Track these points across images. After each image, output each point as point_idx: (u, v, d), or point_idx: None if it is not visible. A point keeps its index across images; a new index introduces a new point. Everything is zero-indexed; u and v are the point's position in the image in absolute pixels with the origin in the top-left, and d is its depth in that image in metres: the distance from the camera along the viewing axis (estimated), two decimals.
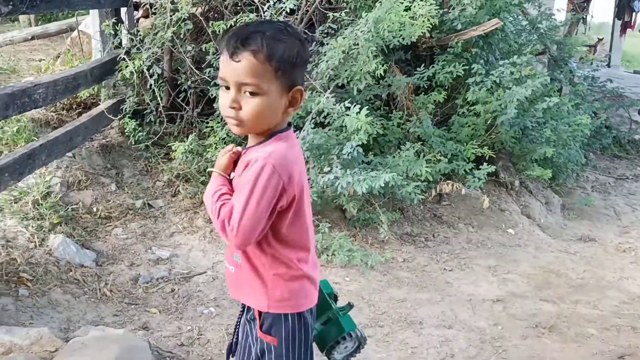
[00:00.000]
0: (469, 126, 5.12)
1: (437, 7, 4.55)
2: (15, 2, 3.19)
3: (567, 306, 3.68)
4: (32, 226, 3.36)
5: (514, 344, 3.17)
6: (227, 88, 1.45)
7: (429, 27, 4.14)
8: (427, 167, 3.96)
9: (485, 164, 4.61)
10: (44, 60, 6.26)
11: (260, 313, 1.56)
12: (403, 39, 4.25)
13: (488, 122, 5.12)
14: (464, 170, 4.68)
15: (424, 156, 4.17)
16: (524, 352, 3.10)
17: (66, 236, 3.37)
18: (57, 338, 2.52)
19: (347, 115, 3.70)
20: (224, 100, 1.47)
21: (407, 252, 4.10)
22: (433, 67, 4.82)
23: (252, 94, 1.43)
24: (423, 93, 5.06)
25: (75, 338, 2.47)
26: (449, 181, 4.54)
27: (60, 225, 3.47)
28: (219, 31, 4.13)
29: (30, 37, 7.12)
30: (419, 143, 4.71)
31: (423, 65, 5.04)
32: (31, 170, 3.42)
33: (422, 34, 4.35)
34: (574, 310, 3.63)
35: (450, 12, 5.05)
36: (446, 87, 5.25)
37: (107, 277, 3.25)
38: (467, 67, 4.95)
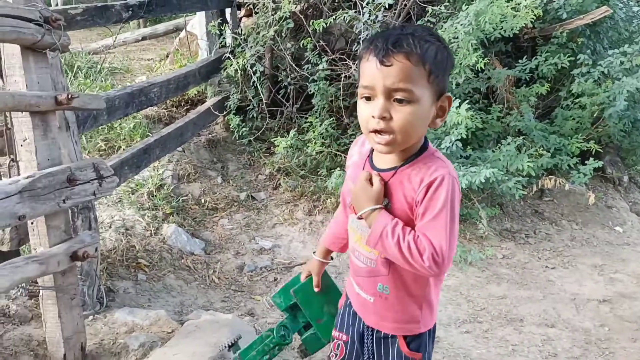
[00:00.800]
0: (574, 119, 4.92)
1: None
2: (134, 7, 3.45)
3: None
4: (148, 216, 3.61)
5: (622, 346, 3.05)
6: (368, 99, 1.33)
7: (532, 17, 4.02)
8: (529, 161, 3.85)
9: (591, 158, 4.42)
10: (153, 59, 6.65)
11: (406, 336, 1.52)
12: (504, 31, 4.16)
13: (594, 115, 4.90)
14: (568, 165, 4.52)
15: (525, 150, 4.06)
16: (633, 356, 2.98)
17: (178, 225, 3.61)
18: (173, 320, 2.72)
19: None
20: (366, 113, 1.33)
21: (506, 249, 4.02)
22: (536, 58, 4.66)
23: (404, 101, 1.29)
24: (524, 86, 4.93)
25: (189, 321, 2.66)
26: (551, 176, 4.40)
27: (172, 215, 3.71)
28: (319, 29, 4.22)
29: (140, 38, 7.57)
30: (520, 137, 4.61)
31: (525, 57, 4.90)
32: (147, 163, 3.67)
33: (524, 25, 4.24)
34: None
35: (554, 1, 4.86)
36: (549, 79, 5.09)
37: (215, 265, 3.44)
38: (572, 58, 4.77)
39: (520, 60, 4.76)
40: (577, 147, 4.54)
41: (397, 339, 1.52)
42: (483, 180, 3.48)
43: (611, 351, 3.01)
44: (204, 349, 2.32)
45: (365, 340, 1.59)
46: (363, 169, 1.46)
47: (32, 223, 2.20)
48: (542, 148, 4.52)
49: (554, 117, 4.98)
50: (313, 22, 4.23)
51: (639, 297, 3.59)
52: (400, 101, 1.29)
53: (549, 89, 4.84)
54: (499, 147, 4.08)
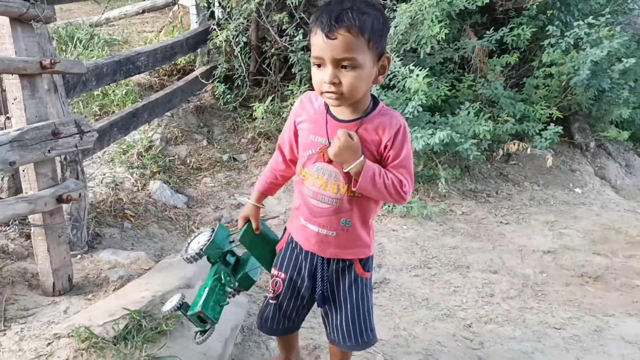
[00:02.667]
0: (544, 88, 5.20)
1: None
2: None
3: (619, 260, 3.82)
4: (136, 173, 3.99)
5: (555, 289, 3.40)
6: (319, 66, 1.54)
7: None
8: (485, 125, 4.16)
9: (552, 124, 4.71)
10: (152, 31, 6.98)
11: (361, 259, 1.80)
12: (473, 3, 4.43)
13: (563, 84, 5.18)
14: (534, 131, 4.82)
15: (482, 115, 4.36)
16: (563, 297, 3.32)
17: (163, 182, 3.98)
18: (151, 260, 3.10)
19: (410, 77, 3.99)
20: (319, 77, 1.54)
21: (467, 206, 4.37)
22: (502, 30, 4.92)
23: (349, 67, 1.50)
24: (497, 56, 5.21)
25: (164, 260, 3.04)
26: (515, 140, 4.73)
27: (159, 174, 4.09)
28: (297, 3, 4.52)
29: (141, 11, 7.86)
30: (488, 104, 4.91)
31: (501, 28, 5.16)
32: (135, 126, 4.04)
33: None
34: (625, 264, 3.77)
35: None
36: (522, 50, 5.37)
37: (195, 217, 3.82)
38: (541, 30, 5.04)
39: (486, 32, 5.01)
40: (541, 113, 4.84)
41: (353, 264, 1.80)
42: (437, 142, 3.81)
43: (544, 293, 3.35)
44: (172, 280, 2.70)
45: (319, 275, 1.82)
46: (326, 122, 1.67)
47: (23, 170, 2.57)
48: (507, 114, 4.83)
49: (521, 86, 5.26)
50: None
51: (581, 249, 3.93)
52: (345, 67, 1.50)
53: (518, 59, 5.12)
54: (459, 113, 4.38)
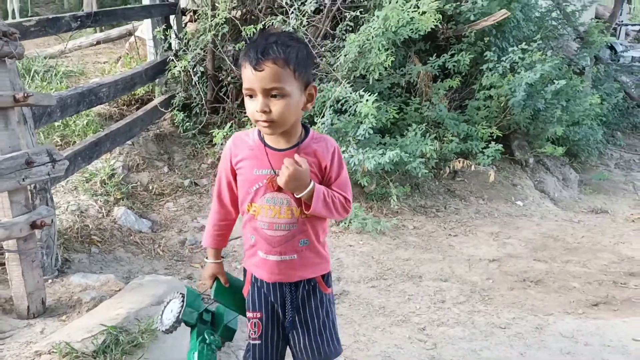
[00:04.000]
0: (485, 109, 5.58)
1: (447, 2, 5.08)
2: (82, 18, 3.96)
3: (558, 265, 4.15)
4: (100, 200, 4.12)
5: (500, 294, 3.69)
6: (251, 97, 1.63)
7: (434, 20, 4.61)
8: (431, 145, 4.46)
9: (493, 143, 5.08)
10: (107, 62, 7.11)
11: (323, 276, 1.88)
12: (413, 32, 4.76)
13: (502, 105, 5.58)
14: (478, 150, 5.17)
15: (429, 136, 4.67)
16: (508, 300, 3.61)
17: (127, 208, 4.12)
18: (121, 282, 3.24)
19: (360, 102, 4.27)
20: (252, 107, 1.62)
21: (417, 221, 4.65)
22: (443, 56, 5.28)
23: (279, 96, 1.59)
24: (440, 80, 5.56)
25: (134, 281, 3.18)
26: (460, 158, 5.06)
27: (123, 200, 4.22)
28: (251, 34, 4.77)
29: (95, 42, 8.00)
30: (435, 125, 5.25)
31: (442, 55, 5.52)
32: (98, 155, 4.17)
33: (434, 27, 4.80)
34: (563, 268, 4.10)
35: (463, 5, 5.51)
36: (463, 74, 5.75)
37: (160, 240, 3.97)
38: (480, 55, 5.43)
39: (430, 58, 5.36)
40: (482, 132, 5.20)
41: (317, 282, 1.86)
42: (388, 161, 4.09)
43: (490, 297, 3.63)
44: (144, 299, 2.85)
45: (287, 303, 1.86)
46: (266, 153, 1.72)
47: None
48: (452, 135, 5.17)
49: (465, 108, 5.64)
50: (245, 28, 4.77)
51: (523, 256, 4.25)
52: (275, 96, 1.59)
53: (460, 83, 5.50)
54: (407, 134, 4.68)
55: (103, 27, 9.08)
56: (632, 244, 4.59)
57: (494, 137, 5.21)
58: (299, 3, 4.88)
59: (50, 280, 3.13)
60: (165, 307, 1.95)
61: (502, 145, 5.29)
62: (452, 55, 5.28)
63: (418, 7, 4.46)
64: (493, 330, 3.19)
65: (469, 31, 5.58)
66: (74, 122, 4.72)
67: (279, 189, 1.73)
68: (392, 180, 4.64)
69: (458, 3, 5.54)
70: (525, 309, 3.48)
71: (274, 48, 1.58)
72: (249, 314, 1.92)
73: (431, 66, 5.30)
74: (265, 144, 1.74)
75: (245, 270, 1.95)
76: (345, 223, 4.29)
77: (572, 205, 5.66)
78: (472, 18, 5.54)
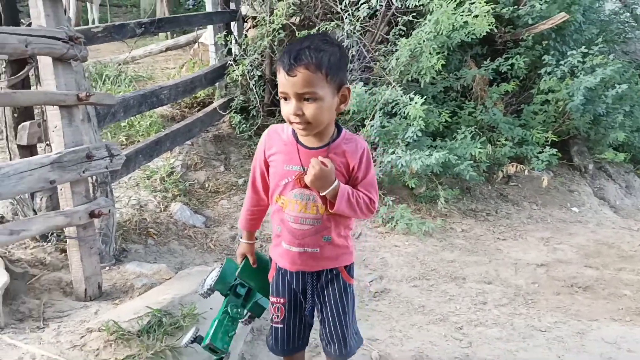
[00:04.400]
0: (542, 113, 5.50)
1: (504, 5, 5.06)
2: (146, 24, 4.22)
3: (610, 272, 4.05)
4: (159, 196, 4.36)
5: (545, 298, 3.65)
6: (285, 99, 1.72)
7: (489, 24, 4.60)
8: (480, 148, 4.46)
9: (547, 147, 5.00)
10: (174, 68, 7.46)
11: (346, 266, 1.99)
12: (468, 35, 4.76)
13: (560, 110, 5.48)
14: (532, 154, 5.11)
15: (478, 139, 4.66)
16: (552, 304, 3.57)
17: (183, 204, 4.34)
18: (172, 272, 3.44)
19: (409, 104, 4.33)
20: (287, 110, 1.71)
21: (466, 224, 4.64)
22: (497, 60, 5.25)
23: (311, 100, 1.67)
24: (496, 85, 5.53)
25: (183, 270, 3.38)
26: (513, 163, 5.02)
27: (180, 197, 4.45)
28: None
29: (164, 49, 8.40)
30: (489, 129, 5.23)
31: (497, 59, 5.49)
32: (158, 153, 4.42)
33: (490, 30, 4.79)
34: (615, 276, 3.99)
35: (520, 8, 5.47)
36: (521, 79, 5.70)
37: (212, 235, 4.16)
38: (539, 59, 5.37)
39: (484, 62, 5.34)
40: (537, 137, 5.13)
41: (340, 272, 1.98)
42: (434, 162, 4.12)
43: (534, 301, 3.60)
44: (190, 286, 3.02)
45: (309, 291, 1.99)
46: (298, 151, 1.83)
47: (60, 189, 2.95)
48: (505, 139, 5.13)
49: (522, 112, 5.57)
50: (298, 33, 4.93)
51: (573, 262, 4.17)
52: (307, 99, 1.67)
53: (518, 87, 5.45)
54: (455, 137, 4.69)
55: (174, 34, 9.55)
56: None
57: (549, 142, 5.12)
58: (354, 9, 4.99)
59: (107, 267, 3.37)
60: (209, 273, 2.19)
61: (559, 150, 5.21)
62: (507, 59, 5.23)
63: (471, 12, 4.48)
64: (532, 332, 3.17)
65: (526, 35, 5.52)
66: (139, 122, 5.01)
67: (306, 186, 1.82)
68: (442, 183, 4.66)
69: (516, 7, 5.49)
70: (569, 314, 3.44)
71: (306, 53, 1.65)
72: (272, 299, 2.06)
73: (485, 70, 5.27)
74: (297, 141, 1.84)
75: (271, 258, 2.07)
76: (391, 224, 4.35)
77: (634, 213, 5.47)
78: (530, 22, 5.49)
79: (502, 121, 5.19)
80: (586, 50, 5.29)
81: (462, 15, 4.49)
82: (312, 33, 4.92)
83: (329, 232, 1.89)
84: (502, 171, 5.05)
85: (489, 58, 5.60)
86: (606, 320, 3.39)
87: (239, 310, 2.12)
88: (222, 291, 2.13)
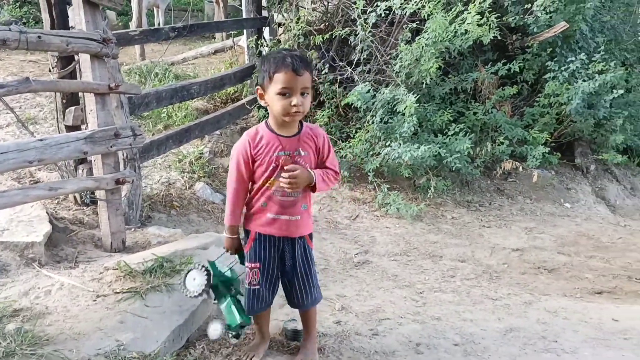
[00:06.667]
0: (545, 115, 5.88)
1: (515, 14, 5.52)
2: (179, 29, 4.94)
3: (580, 259, 4.43)
4: (186, 177, 5.07)
5: (510, 276, 4.09)
6: (284, 95, 2.15)
7: (483, 33, 5.06)
8: (468, 144, 4.91)
9: (541, 147, 5.39)
10: (218, 68, 8.22)
11: (310, 234, 2.48)
12: (467, 42, 5.22)
13: (562, 113, 5.85)
14: (530, 153, 5.50)
15: (467, 136, 5.11)
16: (514, 280, 4.01)
17: (206, 184, 5.03)
18: (186, 236, 4.11)
19: (404, 102, 4.85)
20: (286, 103, 2.16)
21: (457, 213, 5.11)
22: (499, 63, 5.68)
23: (306, 94, 2.19)
24: (501, 89, 5.94)
25: (193, 234, 4.05)
26: (510, 160, 5.44)
27: (204, 178, 5.14)
28: (320, 42, 5.52)
29: (214, 51, 9.20)
30: (494, 130, 5.67)
31: (496, 63, 5.89)
32: (187, 140, 5.13)
33: (494, 37, 5.26)
34: (583, 262, 4.38)
35: (525, 18, 5.87)
36: (530, 83, 6.11)
37: None
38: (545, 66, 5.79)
39: (486, 67, 5.78)
40: (534, 137, 5.53)
41: (305, 238, 2.46)
42: (420, 154, 4.62)
43: (499, 278, 4.05)
44: (193, 243, 3.68)
45: (288, 253, 2.44)
46: (279, 140, 2.28)
47: (94, 160, 3.67)
48: (504, 138, 5.55)
49: (523, 114, 5.97)
50: (314, 38, 5.54)
51: (549, 249, 4.57)
52: (304, 94, 2.19)
53: (518, 91, 5.86)
54: (447, 133, 5.16)
55: (222, 38, 10.35)
56: None
57: (546, 143, 5.50)
58: (365, 17, 5.56)
59: (133, 229, 4.08)
60: (186, 276, 2.58)
61: (565, 151, 5.60)
62: (505, 64, 5.65)
63: (464, 21, 4.96)
64: (484, 300, 3.64)
65: (531, 42, 5.91)
66: (175, 114, 5.75)
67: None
68: (438, 175, 5.15)
69: (522, 16, 5.89)
70: (526, 289, 3.88)
71: (304, 59, 2.21)
72: (249, 265, 2.48)
73: (486, 73, 5.71)
74: (274, 132, 2.31)
75: (248, 232, 2.49)
76: (385, 208, 4.88)
77: (632, 212, 5.76)
78: (535, 30, 5.88)
79: (504, 122, 5.61)
80: (584, 58, 5.63)
81: (458, 25, 4.97)
82: (327, 37, 5.53)
83: (305, 202, 2.41)
84: (500, 167, 5.47)
85: (502, 63, 6.01)
86: (557, 296, 3.81)
87: (237, 287, 2.61)
88: (223, 291, 2.60)
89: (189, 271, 2.58)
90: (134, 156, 4.07)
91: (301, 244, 2.49)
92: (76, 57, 3.75)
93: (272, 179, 2.33)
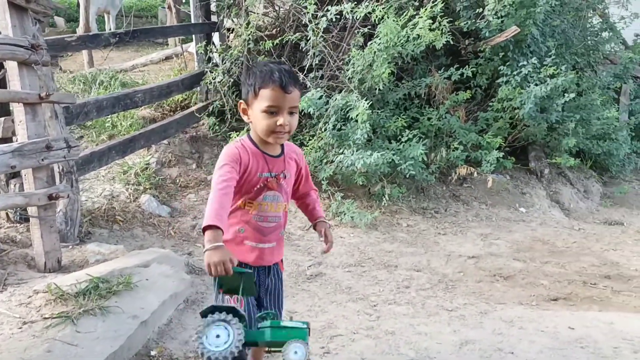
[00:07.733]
0: (499, 120, 5.86)
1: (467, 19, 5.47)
2: (121, 34, 4.72)
3: (535, 265, 4.39)
4: (131, 189, 4.84)
5: (465, 284, 4.00)
6: (270, 113, 1.94)
7: (435, 37, 4.99)
8: (421, 150, 4.83)
9: (496, 151, 5.35)
10: (169, 75, 7.98)
11: (281, 259, 2.25)
12: (419, 47, 5.15)
13: (515, 117, 5.83)
14: (484, 158, 5.46)
15: (421, 142, 5.03)
16: (470, 289, 3.92)
17: (152, 196, 4.81)
18: (128, 252, 3.89)
19: (356, 108, 4.74)
20: (272, 122, 1.94)
21: (413, 220, 5.02)
22: (450, 69, 5.63)
23: (294, 113, 1.99)
24: (455, 93, 5.89)
25: (135, 250, 3.83)
26: (465, 165, 5.38)
27: (150, 189, 4.92)
28: (270, 48, 5.38)
29: (164, 57, 8.96)
30: (448, 135, 5.61)
31: (449, 68, 5.84)
32: (132, 150, 4.91)
33: (446, 42, 5.19)
34: (539, 268, 4.33)
35: (477, 22, 5.84)
36: (484, 88, 6.08)
37: (175, 224, 4.61)
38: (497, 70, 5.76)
39: (439, 72, 5.72)
40: (487, 142, 5.49)
41: (278, 264, 2.22)
42: (373, 161, 4.51)
43: (455, 287, 3.96)
44: (133, 261, 3.48)
45: (263, 282, 2.19)
46: (265, 160, 2.03)
47: (24, 175, 3.43)
48: (459, 143, 5.50)
49: (477, 119, 5.94)
50: (264, 43, 5.39)
51: (504, 255, 4.51)
52: (291, 113, 1.97)
53: (471, 96, 5.82)
54: (400, 140, 5.08)
55: (175, 44, 10.09)
56: (622, 251, 4.72)
57: (501, 147, 5.47)
58: (316, 22, 5.43)
59: (70, 246, 3.84)
60: (207, 330, 1.63)
61: (519, 155, 5.57)
62: (457, 69, 5.60)
63: (415, 27, 4.88)
64: (439, 311, 3.54)
65: (483, 47, 5.89)
66: (120, 123, 5.51)
67: (276, 188, 2.09)
68: (392, 182, 5.05)
69: (473, 20, 5.87)
70: (482, 298, 3.79)
71: (293, 75, 2.00)
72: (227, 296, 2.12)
73: (439, 78, 5.65)
74: (261, 151, 2.05)
75: None
76: (339, 217, 4.75)
77: (585, 216, 5.78)
78: (487, 34, 5.85)
79: (459, 127, 5.56)
80: (536, 62, 5.63)
81: (410, 29, 4.89)
82: (277, 42, 5.39)
83: (282, 228, 2.16)
84: (455, 173, 5.41)
85: (454, 68, 5.98)
86: (513, 304, 3.73)
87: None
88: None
89: (209, 324, 1.65)
90: (70, 169, 3.83)
91: (274, 269, 2.26)
92: (5, 65, 3.50)
93: (254, 201, 2.07)
